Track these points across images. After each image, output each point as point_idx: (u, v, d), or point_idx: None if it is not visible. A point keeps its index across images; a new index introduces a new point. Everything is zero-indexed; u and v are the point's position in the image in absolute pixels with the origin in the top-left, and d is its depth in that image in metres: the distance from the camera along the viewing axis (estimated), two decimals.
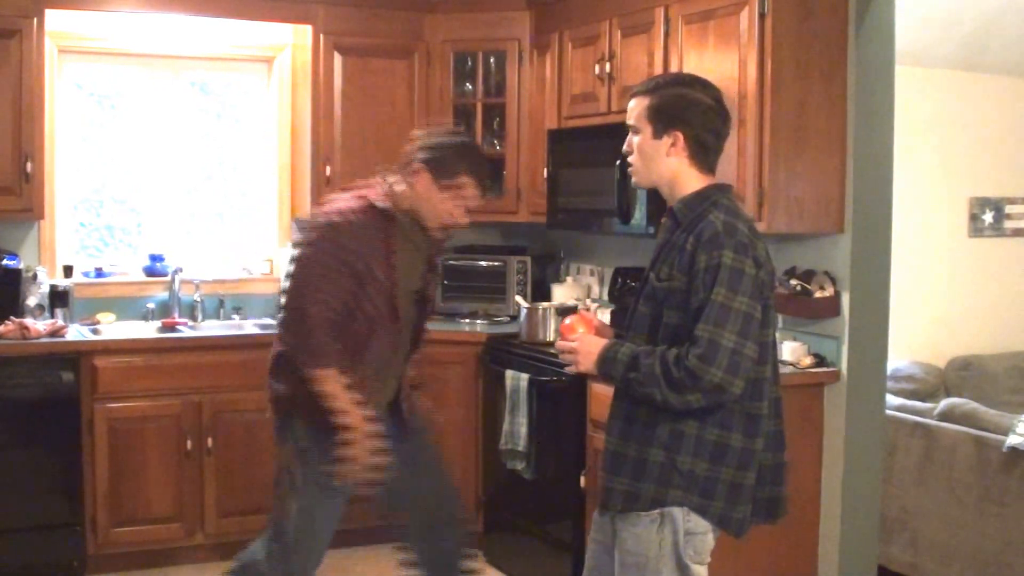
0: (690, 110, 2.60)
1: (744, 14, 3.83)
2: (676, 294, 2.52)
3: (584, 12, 4.77)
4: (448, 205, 3.18)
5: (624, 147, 2.69)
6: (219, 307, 5.28)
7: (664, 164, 2.61)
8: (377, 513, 3.79)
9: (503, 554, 4.73)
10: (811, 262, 4.05)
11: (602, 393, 4.05)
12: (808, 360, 3.95)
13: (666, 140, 2.59)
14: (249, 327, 5.15)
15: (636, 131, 2.64)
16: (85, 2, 4.75)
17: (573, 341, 2.66)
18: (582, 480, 4.14)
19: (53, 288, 4.82)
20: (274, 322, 5.24)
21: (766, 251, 2.58)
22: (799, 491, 3.98)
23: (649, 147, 2.61)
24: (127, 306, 5.15)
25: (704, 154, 2.62)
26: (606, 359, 2.56)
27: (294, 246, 3.19)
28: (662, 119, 2.59)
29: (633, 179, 2.71)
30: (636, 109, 2.64)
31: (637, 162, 2.65)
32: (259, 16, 5.11)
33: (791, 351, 4.01)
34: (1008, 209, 6.24)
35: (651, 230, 4.25)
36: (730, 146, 3.87)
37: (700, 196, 2.60)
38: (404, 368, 3.43)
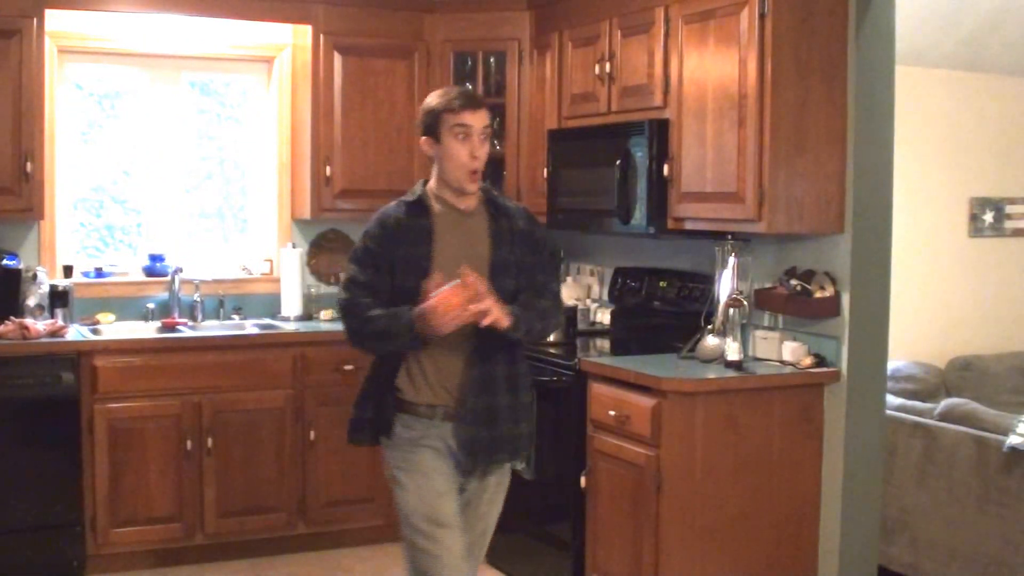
0: None
1: (744, 14, 3.83)
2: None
3: (584, 12, 4.77)
4: (456, 149, 3.04)
5: (484, 155, 3.07)
6: (219, 307, 5.28)
7: None
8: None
9: (503, 554, 4.72)
10: (811, 262, 4.04)
11: (602, 393, 4.05)
12: (808, 360, 3.95)
13: None
14: (249, 327, 5.16)
15: (488, 136, 3.11)
16: (85, 2, 4.75)
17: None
18: (582, 480, 4.14)
19: (53, 288, 4.82)
20: (275, 322, 5.24)
21: None
22: (799, 491, 3.99)
23: None
24: (127, 306, 5.15)
25: None
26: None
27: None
28: None
29: (475, 186, 3.09)
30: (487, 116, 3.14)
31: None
32: (259, 16, 5.11)
33: (791, 351, 4.01)
34: (1008, 209, 6.24)
35: (651, 230, 4.25)
36: (730, 146, 3.90)
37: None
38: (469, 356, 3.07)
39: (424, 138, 3.10)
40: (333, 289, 5.53)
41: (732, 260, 4.08)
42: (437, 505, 3.02)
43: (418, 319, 2.88)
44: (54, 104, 4.96)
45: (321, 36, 5.13)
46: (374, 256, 3.04)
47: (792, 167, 3.81)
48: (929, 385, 5.54)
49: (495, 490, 3.20)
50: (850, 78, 3.86)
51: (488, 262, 3.05)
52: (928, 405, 4.66)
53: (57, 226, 5.08)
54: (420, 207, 3.08)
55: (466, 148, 3.03)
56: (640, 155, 4.27)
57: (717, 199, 3.99)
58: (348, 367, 4.93)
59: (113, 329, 4.95)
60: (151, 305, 5.16)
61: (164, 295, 5.20)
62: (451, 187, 3.08)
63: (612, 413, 3.95)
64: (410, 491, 3.03)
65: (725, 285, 4.10)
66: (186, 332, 4.98)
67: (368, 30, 5.21)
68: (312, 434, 4.87)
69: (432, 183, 3.14)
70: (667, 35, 4.22)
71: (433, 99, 3.10)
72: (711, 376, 3.87)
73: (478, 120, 3.05)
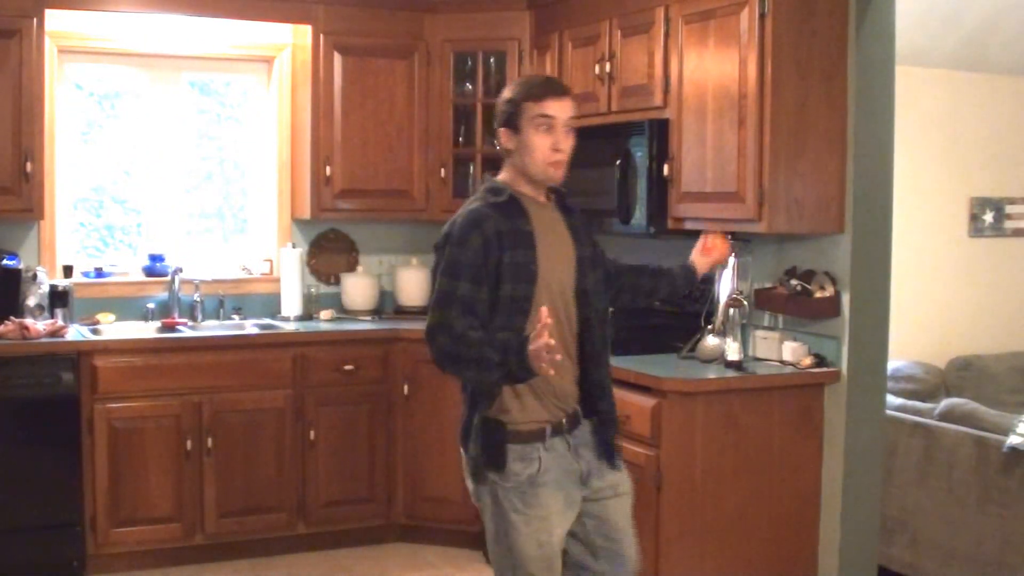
0: None
1: (744, 14, 3.83)
2: None
3: (584, 12, 4.77)
4: (538, 142, 2.82)
5: (568, 147, 2.85)
6: (219, 307, 5.28)
7: None
8: None
9: None
10: (811, 262, 4.05)
11: None
12: (808, 360, 3.95)
13: None
14: (249, 327, 5.15)
15: (572, 128, 2.87)
16: (85, 2, 4.75)
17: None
18: None
19: (53, 288, 4.82)
20: (275, 322, 5.24)
21: None
22: (799, 491, 3.99)
23: None
24: (127, 306, 5.15)
25: None
26: None
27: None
28: None
29: (558, 179, 2.88)
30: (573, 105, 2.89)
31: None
32: (259, 16, 5.11)
33: (791, 351, 4.01)
34: (1008, 209, 6.25)
35: (651, 230, 4.25)
36: (730, 146, 3.90)
37: None
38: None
39: (502, 129, 2.85)
40: (333, 289, 5.54)
41: (732, 260, 4.08)
42: (555, 553, 2.83)
43: (529, 354, 2.59)
44: (54, 104, 4.96)
45: (321, 36, 5.13)
46: (474, 269, 2.72)
47: (792, 167, 3.81)
48: (929, 385, 5.54)
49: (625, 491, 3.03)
50: (850, 78, 3.86)
51: (575, 258, 2.89)
52: (928, 405, 4.66)
53: (57, 226, 5.08)
54: (515, 208, 2.81)
55: (549, 140, 2.79)
56: (640, 155, 4.27)
57: (717, 199, 3.99)
58: (348, 367, 4.94)
59: (113, 329, 4.95)
60: (151, 305, 5.16)
61: (164, 295, 5.20)
62: (533, 181, 2.85)
63: None
64: (528, 537, 2.79)
65: (725, 285, 4.10)
66: (186, 332, 4.98)
67: (368, 30, 5.21)
68: (312, 434, 4.87)
69: (505, 176, 2.89)
70: (667, 35, 4.23)
71: (513, 88, 2.87)
72: (711, 376, 3.87)
73: (563, 110, 2.81)
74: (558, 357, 2.57)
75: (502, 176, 2.90)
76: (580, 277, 2.88)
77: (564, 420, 2.84)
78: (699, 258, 3.38)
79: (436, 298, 2.75)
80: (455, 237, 2.75)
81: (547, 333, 2.55)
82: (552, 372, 2.60)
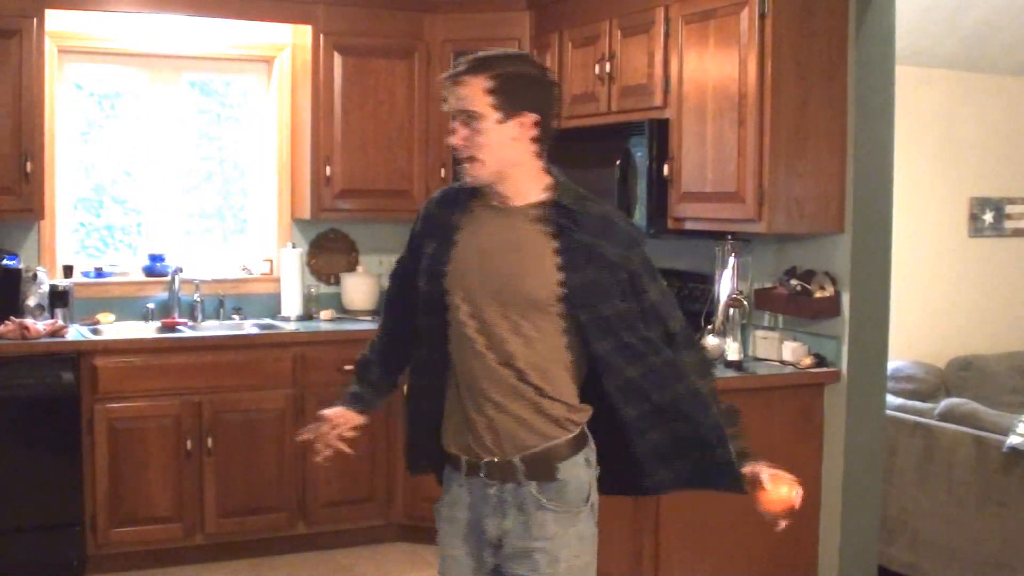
0: (535, 88, 2.34)
1: (744, 14, 3.83)
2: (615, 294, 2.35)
3: (584, 12, 4.77)
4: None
5: (456, 140, 2.32)
6: (219, 307, 5.28)
7: (511, 152, 2.32)
8: None
9: None
10: (811, 262, 4.05)
11: None
12: (808, 360, 3.95)
13: (514, 124, 2.31)
14: (249, 327, 5.15)
15: (473, 118, 2.29)
16: (85, 2, 4.75)
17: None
18: None
19: (53, 288, 4.82)
20: (275, 322, 5.24)
21: None
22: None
23: (495, 133, 2.30)
24: (127, 306, 5.15)
25: (547, 139, 2.37)
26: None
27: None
28: (510, 100, 2.29)
29: (468, 177, 2.34)
30: (472, 92, 2.29)
31: (481, 153, 2.30)
32: (259, 16, 5.11)
33: (791, 351, 4.01)
34: (1008, 209, 6.25)
35: (651, 230, 4.25)
36: (730, 146, 3.90)
37: (573, 186, 2.44)
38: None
39: None
40: (333, 289, 5.54)
41: (732, 260, 4.09)
42: None
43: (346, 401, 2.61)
44: (54, 104, 4.96)
45: (321, 36, 5.13)
46: (412, 239, 2.49)
47: (792, 167, 3.81)
48: (929, 385, 5.54)
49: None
50: (850, 78, 3.86)
51: (559, 283, 2.31)
52: (928, 405, 4.67)
53: (57, 226, 5.07)
54: (457, 198, 2.42)
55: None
56: (640, 155, 4.27)
57: (717, 199, 3.99)
58: (348, 367, 4.91)
59: (113, 329, 4.95)
60: (151, 305, 5.16)
61: (164, 295, 5.20)
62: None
63: None
64: (442, 569, 2.61)
65: (725, 285, 4.10)
66: (186, 332, 4.97)
67: (368, 30, 5.21)
68: None
69: None
70: (667, 35, 4.23)
71: None
72: None
73: (448, 100, 2.34)
74: (320, 456, 2.65)
75: None
76: (584, 306, 2.32)
77: (481, 464, 2.41)
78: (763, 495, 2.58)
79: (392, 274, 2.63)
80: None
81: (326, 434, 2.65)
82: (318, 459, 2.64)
